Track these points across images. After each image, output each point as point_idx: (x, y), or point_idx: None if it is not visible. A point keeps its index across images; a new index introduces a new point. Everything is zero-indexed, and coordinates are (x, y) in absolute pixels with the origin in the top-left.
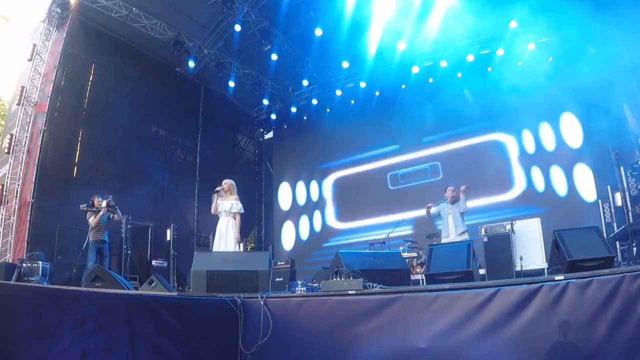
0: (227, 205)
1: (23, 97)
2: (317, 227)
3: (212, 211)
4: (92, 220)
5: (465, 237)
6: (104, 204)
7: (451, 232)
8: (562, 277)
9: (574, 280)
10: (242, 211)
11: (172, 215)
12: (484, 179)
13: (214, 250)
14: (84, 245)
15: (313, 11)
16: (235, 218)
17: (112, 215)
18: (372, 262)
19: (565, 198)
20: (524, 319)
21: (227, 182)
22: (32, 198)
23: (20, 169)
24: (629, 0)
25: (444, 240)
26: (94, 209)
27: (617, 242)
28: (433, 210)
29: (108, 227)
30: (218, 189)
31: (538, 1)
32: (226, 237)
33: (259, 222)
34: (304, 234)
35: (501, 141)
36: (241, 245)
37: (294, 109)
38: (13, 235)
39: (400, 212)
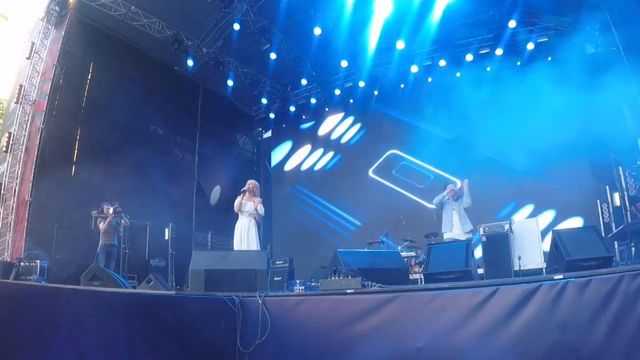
0: (251, 207)
1: (21, 96)
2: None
3: (235, 209)
4: (101, 225)
5: (471, 236)
6: (110, 210)
7: (456, 228)
8: (561, 277)
9: (573, 279)
10: (263, 214)
11: (171, 214)
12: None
13: (235, 249)
14: (98, 249)
15: (312, 10)
16: (256, 219)
17: (119, 220)
18: (370, 261)
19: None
20: (523, 318)
21: (251, 183)
22: (30, 197)
23: (19, 168)
24: (627, 0)
25: (446, 235)
26: (103, 215)
27: (616, 242)
28: (436, 200)
29: (117, 232)
30: (244, 188)
31: (537, 1)
32: (248, 237)
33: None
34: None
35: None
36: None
37: (292, 108)
38: (11, 234)
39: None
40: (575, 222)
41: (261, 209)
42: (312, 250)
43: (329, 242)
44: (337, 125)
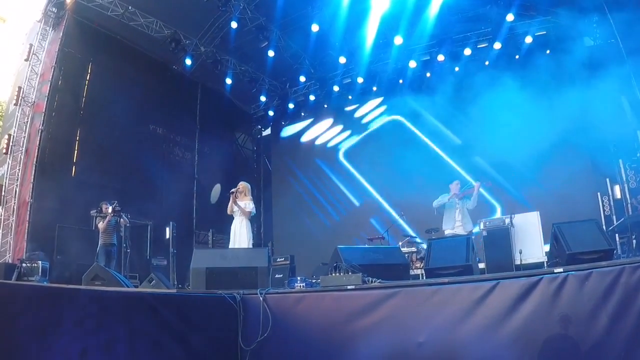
0: (241, 205)
1: (20, 97)
2: None
3: (228, 211)
4: (100, 225)
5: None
6: (109, 209)
7: (458, 226)
8: (561, 270)
9: (573, 272)
10: (254, 212)
11: (171, 213)
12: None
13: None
14: (97, 249)
15: (309, 7)
16: (248, 218)
17: (119, 219)
18: (371, 257)
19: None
20: (523, 312)
21: (242, 184)
22: (31, 198)
23: (19, 169)
24: None
25: (447, 232)
26: (102, 214)
27: (617, 235)
28: (436, 203)
29: (116, 231)
30: (233, 190)
31: None
32: (240, 235)
33: (258, 218)
34: None
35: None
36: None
37: (291, 105)
38: (12, 235)
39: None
40: (575, 216)
41: (249, 207)
42: (314, 247)
43: (329, 231)
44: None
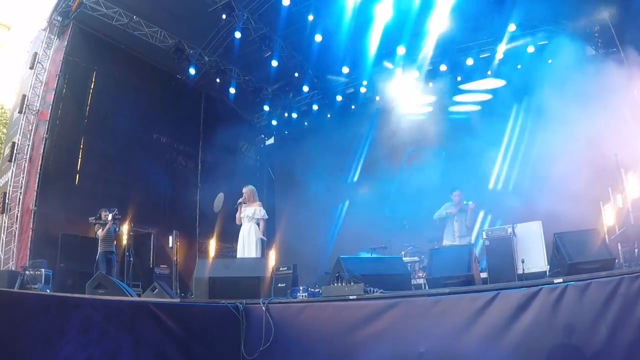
0: (250, 211)
1: (25, 105)
2: None
3: (237, 222)
4: (100, 232)
5: None
6: (110, 217)
7: (456, 238)
8: (560, 280)
9: (573, 283)
10: (266, 217)
11: (174, 222)
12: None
13: (237, 256)
14: (97, 256)
15: (313, 17)
16: (258, 224)
17: (117, 227)
18: (373, 267)
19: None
20: (523, 322)
21: (246, 190)
22: (35, 206)
23: (23, 177)
24: (626, 1)
25: (445, 243)
26: (102, 221)
27: (619, 244)
28: (436, 215)
29: (116, 239)
30: (240, 201)
31: (536, 4)
32: (249, 242)
33: None
34: None
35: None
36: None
37: (294, 115)
38: (16, 242)
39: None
40: (577, 226)
41: (260, 213)
42: (318, 256)
43: (331, 240)
44: None
